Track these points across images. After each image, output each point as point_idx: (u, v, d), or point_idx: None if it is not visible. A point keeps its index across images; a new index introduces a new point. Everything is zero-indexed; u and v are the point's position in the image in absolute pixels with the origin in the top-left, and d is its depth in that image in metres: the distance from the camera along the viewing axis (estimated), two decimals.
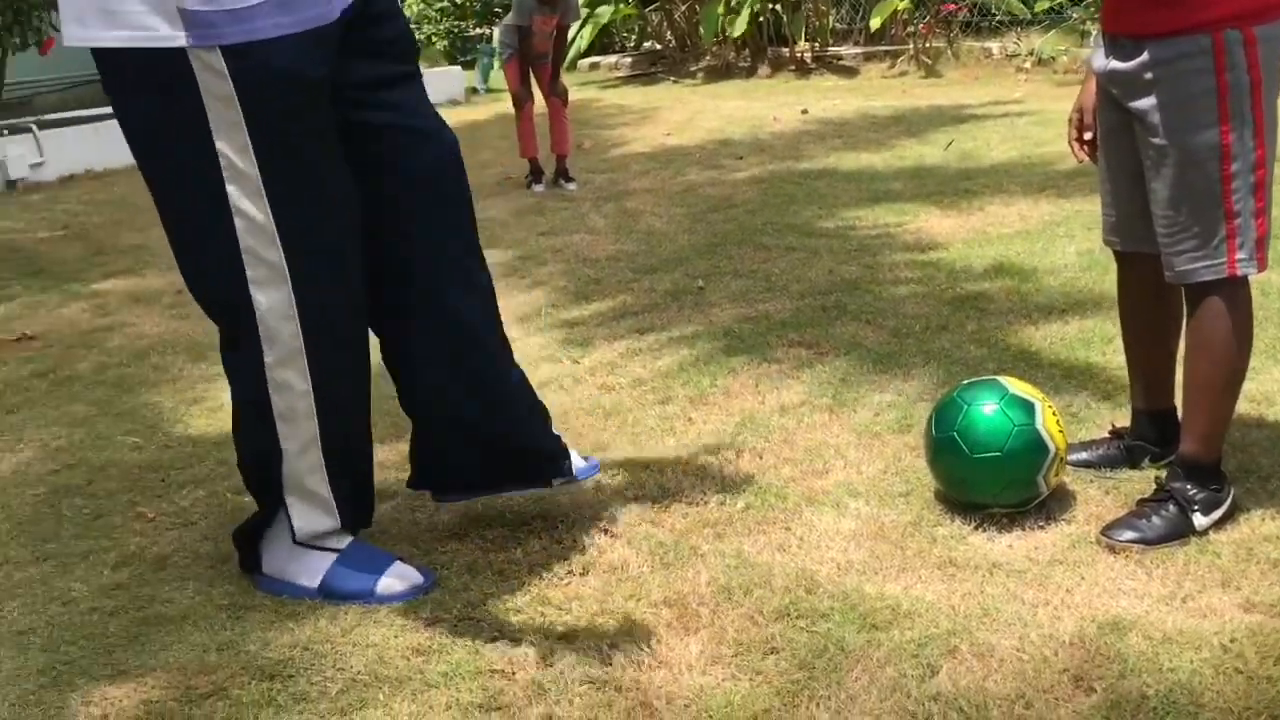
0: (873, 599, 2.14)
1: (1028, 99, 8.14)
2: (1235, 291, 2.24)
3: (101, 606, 2.30)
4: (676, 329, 3.83)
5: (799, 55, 10.82)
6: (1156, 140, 2.20)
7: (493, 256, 4.95)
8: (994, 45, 9.88)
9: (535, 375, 3.47)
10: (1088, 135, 2.45)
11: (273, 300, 2.09)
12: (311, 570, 2.28)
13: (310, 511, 2.28)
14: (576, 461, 2.51)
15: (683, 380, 3.36)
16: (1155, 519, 2.28)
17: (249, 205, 2.03)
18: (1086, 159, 2.49)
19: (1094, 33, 2.44)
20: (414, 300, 2.31)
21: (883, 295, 3.99)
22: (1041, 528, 2.36)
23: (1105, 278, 3.86)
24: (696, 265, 4.58)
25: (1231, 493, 2.34)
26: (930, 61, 10.04)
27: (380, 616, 2.20)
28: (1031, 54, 9.41)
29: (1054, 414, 2.40)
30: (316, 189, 2.09)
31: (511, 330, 3.91)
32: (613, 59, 12.48)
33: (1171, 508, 2.28)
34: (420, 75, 2.32)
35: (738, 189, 5.99)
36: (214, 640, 2.14)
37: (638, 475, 2.75)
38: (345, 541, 2.33)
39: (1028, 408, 2.38)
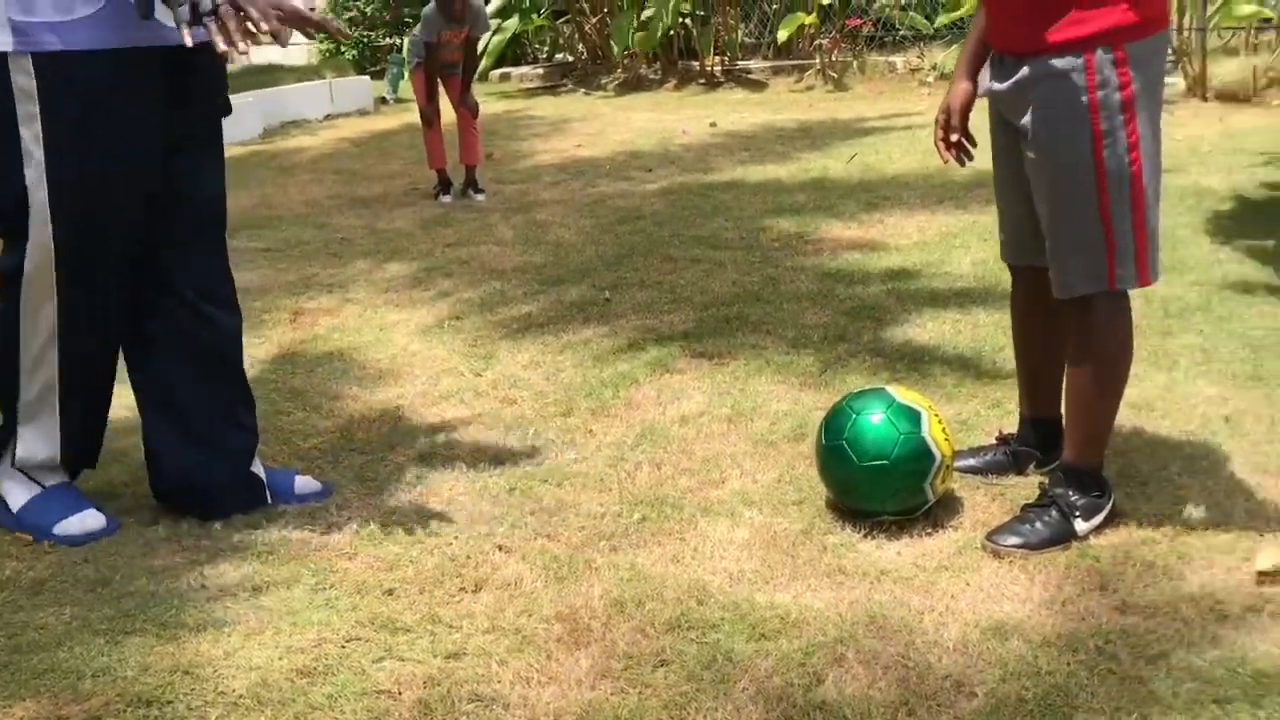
0: (763, 608, 2.16)
1: (929, 112, 8.28)
2: (1116, 304, 2.30)
3: None
4: (581, 340, 3.82)
5: (709, 69, 10.90)
6: (1035, 157, 2.26)
7: (398, 268, 4.93)
8: (898, 60, 10.06)
9: (436, 388, 3.45)
10: (953, 136, 2.47)
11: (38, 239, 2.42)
12: (15, 495, 2.59)
13: (35, 440, 2.58)
14: (307, 485, 2.75)
15: (585, 392, 3.35)
16: (1039, 524, 2.32)
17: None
18: (952, 160, 2.51)
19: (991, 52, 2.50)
20: (161, 314, 2.63)
21: (784, 306, 4.03)
22: (929, 534, 2.40)
23: (998, 288, 3.94)
24: (603, 276, 4.58)
25: (1112, 498, 2.40)
26: (836, 76, 10.19)
27: (265, 638, 2.15)
28: (934, 68, 9.61)
29: (940, 422, 2.44)
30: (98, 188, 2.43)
31: (413, 343, 3.90)
32: (524, 70, 12.45)
33: (1054, 513, 2.34)
34: (219, 125, 2.70)
35: (646, 201, 6.01)
36: (89, 666, 2.07)
37: (535, 489, 2.73)
38: (56, 479, 2.62)
39: (914, 416, 2.42)
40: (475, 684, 1.98)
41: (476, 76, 6.98)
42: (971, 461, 2.65)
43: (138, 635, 2.18)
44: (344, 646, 2.11)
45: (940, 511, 2.47)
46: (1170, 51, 8.28)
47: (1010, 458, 2.64)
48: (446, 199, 6.36)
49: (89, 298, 2.50)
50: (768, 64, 10.77)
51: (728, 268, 4.58)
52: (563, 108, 10.26)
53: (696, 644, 2.06)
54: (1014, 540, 2.30)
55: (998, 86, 2.30)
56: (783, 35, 10.19)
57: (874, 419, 2.42)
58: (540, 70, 12.35)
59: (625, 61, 11.42)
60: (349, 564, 2.42)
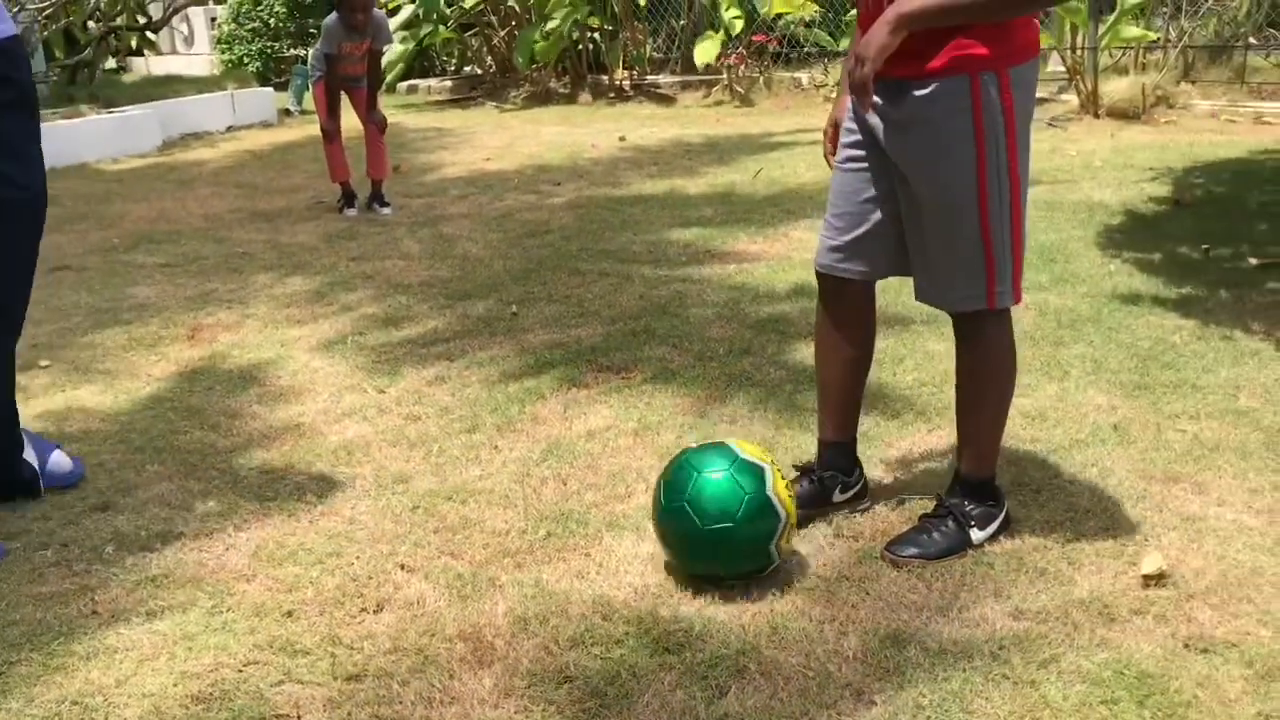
0: (667, 622, 2.16)
1: None
2: (1000, 321, 2.36)
3: None
4: (487, 356, 3.80)
5: (618, 83, 10.95)
6: (915, 180, 2.26)
7: (300, 283, 4.86)
8: (803, 75, 10.22)
9: (338, 405, 3.40)
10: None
11: None
12: None
13: None
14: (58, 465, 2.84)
15: (491, 408, 3.33)
16: (935, 535, 2.38)
17: None
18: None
19: None
20: None
21: (690, 319, 4.06)
22: (830, 545, 2.44)
23: (898, 300, 4.02)
24: (511, 291, 4.57)
25: (1005, 506, 2.46)
26: (743, 91, 10.31)
27: (159, 664, 2.10)
28: (838, 84, 9.76)
29: (783, 479, 2.31)
30: None
31: (315, 359, 3.84)
32: (431, 82, 12.37)
33: (951, 523, 2.39)
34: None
35: (554, 214, 6.01)
36: None
37: (439, 507, 2.71)
38: None
39: (757, 473, 2.26)
40: (376, 706, 1.95)
41: (382, 89, 6.91)
42: None
43: (24, 665, 2.11)
44: (241, 670, 2.07)
45: (841, 522, 2.51)
46: (1064, 70, 8.55)
47: (819, 484, 2.56)
48: (351, 212, 6.28)
49: None
50: (676, 79, 10.86)
51: (635, 282, 4.59)
52: (471, 121, 10.21)
53: (601, 659, 2.06)
54: (912, 550, 2.35)
55: (881, 107, 2.28)
56: (702, 58, 10.21)
57: (715, 477, 2.25)
58: (448, 83, 12.28)
59: (533, 74, 11.41)
60: (247, 586, 2.37)
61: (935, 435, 2.96)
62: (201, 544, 2.56)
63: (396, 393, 3.50)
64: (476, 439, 3.13)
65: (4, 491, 2.79)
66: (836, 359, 2.54)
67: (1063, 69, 8.66)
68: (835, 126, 2.52)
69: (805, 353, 3.64)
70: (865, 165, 2.37)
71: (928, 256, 2.31)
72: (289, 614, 2.25)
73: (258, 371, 3.73)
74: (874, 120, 2.31)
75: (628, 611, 2.21)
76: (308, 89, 11.42)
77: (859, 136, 2.37)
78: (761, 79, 10.32)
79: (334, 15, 6.04)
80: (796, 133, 8.25)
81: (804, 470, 2.61)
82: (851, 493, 2.60)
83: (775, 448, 2.89)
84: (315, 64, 6.34)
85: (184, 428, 3.27)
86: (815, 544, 2.44)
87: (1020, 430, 2.95)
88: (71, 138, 8.48)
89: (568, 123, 9.73)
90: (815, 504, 2.55)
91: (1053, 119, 8.09)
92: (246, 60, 13.21)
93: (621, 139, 8.43)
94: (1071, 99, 8.47)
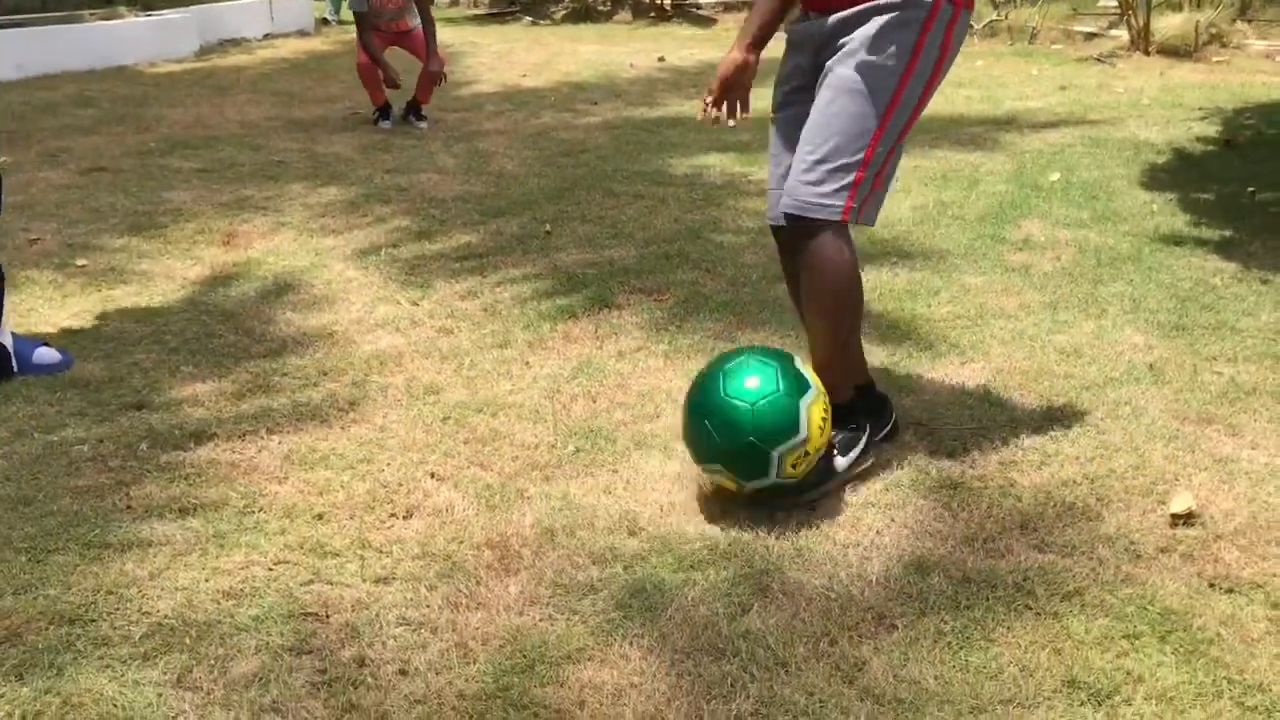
0: (692, 539, 2.18)
1: None
2: (842, 236, 2.26)
3: None
4: (520, 273, 3.79)
5: (659, 2, 10.77)
6: (837, 67, 2.20)
7: (335, 193, 4.85)
8: None
9: (371, 316, 3.42)
10: (719, 103, 2.35)
11: None
12: None
13: None
14: (45, 355, 2.97)
15: (523, 324, 3.33)
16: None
17: None
18: (720, 118, 2.36)
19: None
20: None
21: (724, 244, 4.03)
22: (858, 473, 2.43)
23: (936, 231, 3.98)
24: (545, 209, 4.54)
25: (870, 429, 2.37)
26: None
27: (192, 560, 2.13)
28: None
29: (825, 410, 2.24)
30: None
31: (349, 269, 3.85)
32: None
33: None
34: None
35: (590, 134, 5.95)
36: (10, 584, 2.05)
37: (469, 419, 2.73)
38: None
39: (801, 385, 2.22)
40: (404, 608, 1.98)
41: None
42: None
43: (61, 554, 2.15)
44: (271, 569, 2.10)
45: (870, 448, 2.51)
46: (1115, 5, 8.33)
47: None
48: (386, 125, 6.25)
49: None
50: (717, 0, 10.67)
51: (670, 204, 4.56)
52: (508, 36, 10.09)
53: (625, 573, 2.08)
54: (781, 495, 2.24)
55: (818, 27, 2.25)
56: None
57: (762, 363, 2.25)
58: None
59: None
60: (278, 488, 2.40)
61: (968, 368, 2.95)
62: (234, 445, 2.59)
63: (429, 305, 3.51)
64: (508, 354, 3.13)
65: None
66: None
67: (1114, 3, 8.44)
68: (725, 89, 2.34)
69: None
70: (801, 113, 2.30)
71: (808, 151, 2.23)
72: (319, 516, 2.28)
73: (292, 279, 3.74)
74: (820, 56, 2.27)
75: (653, 529, 2.23)
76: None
77: (800, 81, 2.34)
78: None
79: None
80: None
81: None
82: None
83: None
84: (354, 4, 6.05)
85: (218, 331, 3.29)
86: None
87: (1055, 366, 2.93)
88: (109, 39, 8.45)
89: (606, 41, 9.60)
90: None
91: (1100, 55, 7.91)
92: None
93: (660, 60, 8.32)
94: (1121, 34, 8.27)
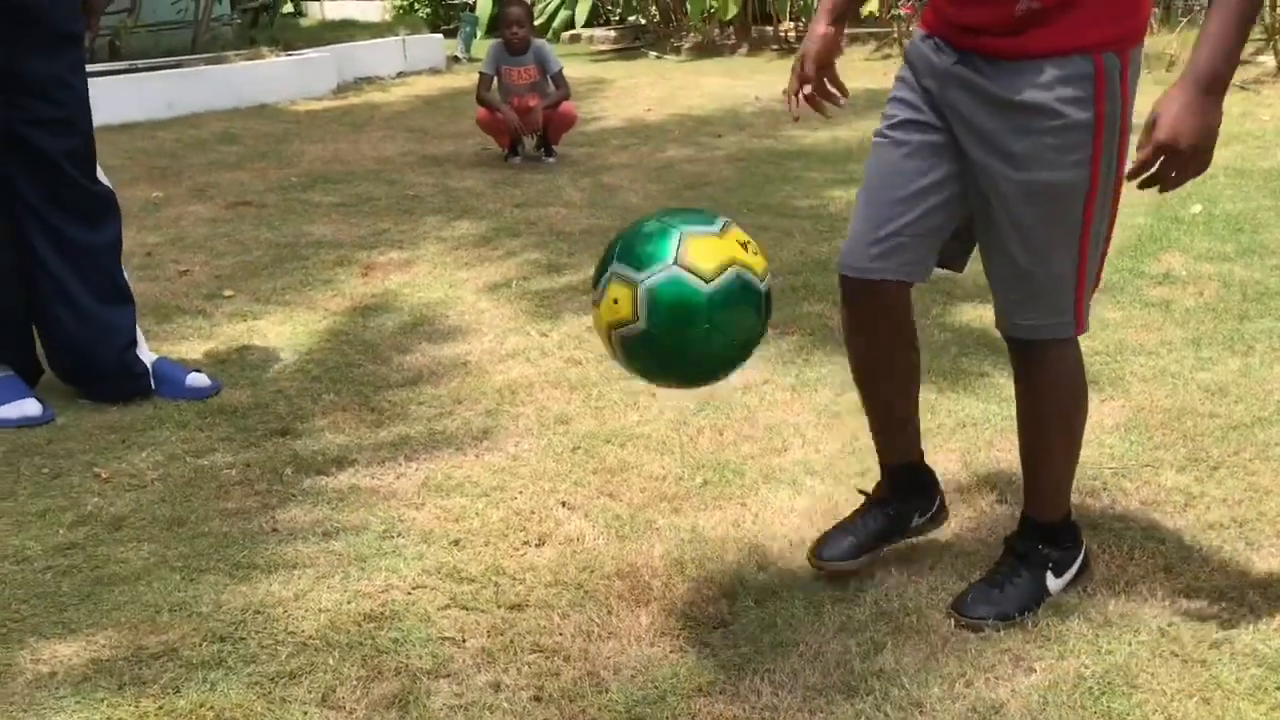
0: (823, 576, 2.17)
1: None
2: (1074, 346, 2.04)
3: (55, 565, 2.30)
4: None
5: (783, 34, 10.80)
6: (1016, 175, 1.89)
7: (467, 226, 4.97)
8: None
9: (503, 346, 3.49)
10: (807, 89, 2.19)
11: None
12: None
13: None
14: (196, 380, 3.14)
15: None
16: (1009, 588, 2.06)
17: None
18: (806, 112, 2.25)
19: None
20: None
21: None
22: (993, 509, 2.39)
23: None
24: None
25: (1084, 548, 2.15)
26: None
27: (334, 582, 2.21)
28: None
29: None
30: None
31: (481, 301, 3.94)
32: (596, 32, 12.42)
33: (1024, 573, 2.08)
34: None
35: (715, 166, 5.99)
36: (166, 601, 2.15)
37: (598, 449, 2.76)
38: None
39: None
40: (538, 635, 2.02)
41: (548, 36, 6.84)
42: (845, 544, 2.16)
43: (212, 574, 2.25)
44: (410, 593, 2.16)
45: (1005, 487, 2.46)
46: (1261, 30, 8.04)
47: (893, 518, 2.21)
48: (516, 160, 6.39)
49: None
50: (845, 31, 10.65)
51: (795, 236, 4.56)
52: (634, 71, 10.23)
53: (756, 607, 2.08)
54: (984, 609, 2.03)
55: (977, 81, 1.91)
56: (868, 8, 10.00)
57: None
58: (613, 32, 12.31)
59: (702, 25, 11.34)
60: (416, 513, 2.47)
61: (1107, 406, 2.86)
62: (374, 471, 2.67)
63: (558, 337, 3.57)
64: (635, 385, 3.16)
65: (119, 386, 3.10)
66: (877, 373, 2.18)
67: (1260, 29, 8.15)
68: (802, 62, 2.16)
69: (970, 314, 3.56)
70: (924, 142, 2.00)
71: (1024, 278, 1.95)
72: (455, 542, 2.34)
73: (427, 310, 3.85)
74: (954, 98, 1.94)
75: (783, 563, 2.23)
76: (475, 36, 11.64)
77: (921, 114, 2.01)
78: None
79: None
80: None
81: (874, 500, 2.24)
82: (928, 516, 2.26)
83: (938, 410, 2.85)
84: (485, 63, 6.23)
85: (358, 360, 3.41)
86: (977, 509, 2.40)
87: (1198, 404, 2.84)
88: (253, 79, 8.83)
89: (730, 75, 9.66)
90: (890, 537, 2.21)
91: (1244, 82, 7.64)
92: (417, 6, 13.50)
93: (784, 93, 8.32)
94: (1268, 60, 7.98)
